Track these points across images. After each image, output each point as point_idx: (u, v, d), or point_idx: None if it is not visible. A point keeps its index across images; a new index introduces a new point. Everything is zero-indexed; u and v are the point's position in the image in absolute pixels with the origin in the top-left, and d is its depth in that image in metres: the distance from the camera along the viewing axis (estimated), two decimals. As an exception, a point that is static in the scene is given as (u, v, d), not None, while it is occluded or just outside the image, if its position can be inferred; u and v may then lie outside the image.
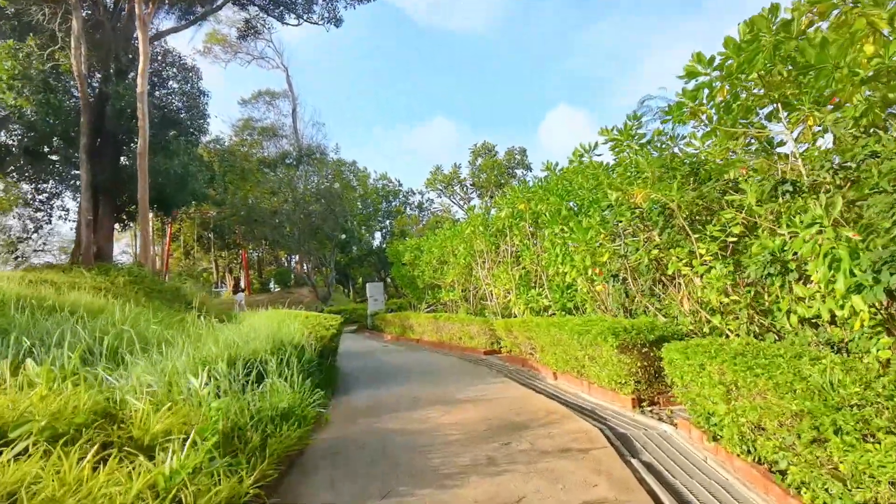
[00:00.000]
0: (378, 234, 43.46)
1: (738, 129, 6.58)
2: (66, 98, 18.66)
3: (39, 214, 24.23)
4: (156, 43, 22.04)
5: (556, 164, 10.33)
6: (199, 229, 41.31)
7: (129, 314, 8.80)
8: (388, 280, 34.78)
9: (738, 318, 6.18)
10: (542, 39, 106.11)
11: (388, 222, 43.43)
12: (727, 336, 6.38)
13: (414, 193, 44.12)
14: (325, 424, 5.34)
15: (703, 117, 6.55)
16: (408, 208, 44.56)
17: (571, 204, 10.13)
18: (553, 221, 9.59)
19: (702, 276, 6.64)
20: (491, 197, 23.39)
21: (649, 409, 5.96)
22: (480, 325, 12.40)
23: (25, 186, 23.77)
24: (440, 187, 26.74)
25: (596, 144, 9.60)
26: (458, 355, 12.31)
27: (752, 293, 6.15)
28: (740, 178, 6.69)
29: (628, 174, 8.19)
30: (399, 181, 43.08)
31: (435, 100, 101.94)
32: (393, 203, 43.65)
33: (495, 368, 9.73)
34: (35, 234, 23.51)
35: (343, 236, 30.29)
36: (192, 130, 20.95)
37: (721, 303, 6.22)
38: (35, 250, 26.01)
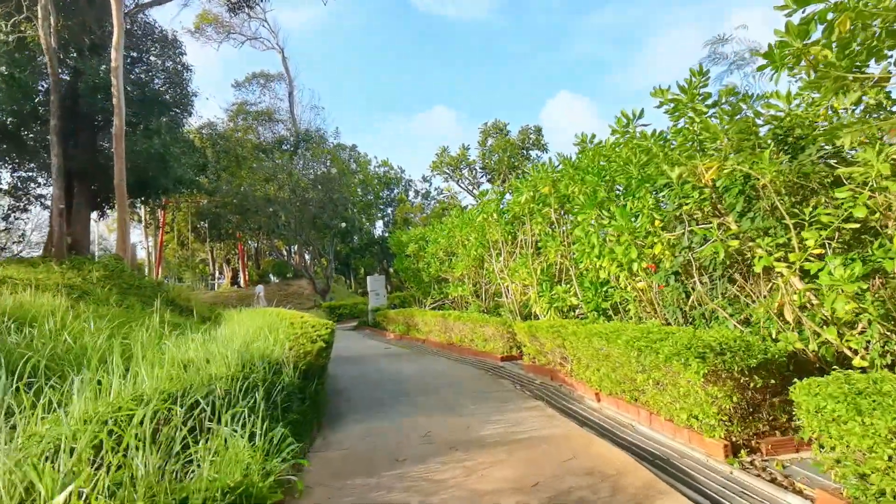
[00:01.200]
0: (380, 223, 41.89)
1: (853, 77, 4.92)
2: (34, 73, 17.00)
3: (21, 203, 22.68)
4: (137, 16, 20.33)
5: (593, 137, 8.67)
6: (195, 219, 39.75)
7: (69, 322, 7.22)
8: (391, 271, 33.20)
9: (863, 333, 4.57)
10: (542, 26, 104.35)
11: (389, 210, 41.82)
12: (839, 355, 4.78)
13: (424, 180, 42.49)
14: (299, 497, 3.75)
15: (812, 60, 4.87)
16: (411, 194, 42.92)
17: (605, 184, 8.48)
18: (588, 205, 7.96)
19: (809, 276, 5.02)
20: (503, 181, 21.55)
21: (749, 459, 4.35)
22: (497, 327, 10.82)
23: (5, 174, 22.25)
24: (447, 171, 24.42)
25: (641, 112, 7.92)
26: (472, 361, 10.75)
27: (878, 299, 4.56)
28: (856, 145, 5.05)
29: (689, 144, 6.54)
30: (401, 168, 41.46)
31: (435, 89, 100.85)
32: (395, 191, 42.03)
33: (519, 382, 8.16)
34: (11, 225, 21.90)
35: (343, 224, 28.59)
36: (175, 109, 19.27)
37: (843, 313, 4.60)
38: (15, 242, 24.43)
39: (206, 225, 34.53)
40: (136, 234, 52.73)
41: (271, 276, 44.73)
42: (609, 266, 7.87)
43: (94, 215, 20.29)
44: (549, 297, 10.38)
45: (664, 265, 6.95)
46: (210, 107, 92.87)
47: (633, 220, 7.22)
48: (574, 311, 10.33)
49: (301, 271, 32.37)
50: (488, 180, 23.99)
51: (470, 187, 24.71)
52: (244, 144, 34.21)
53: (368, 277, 21.08)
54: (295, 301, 37.28)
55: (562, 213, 10.02)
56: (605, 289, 9.02)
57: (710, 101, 6.49)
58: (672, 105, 6.59)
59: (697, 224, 6.32)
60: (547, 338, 8.31)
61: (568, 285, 10.07)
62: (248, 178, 27.87)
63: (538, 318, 11.22)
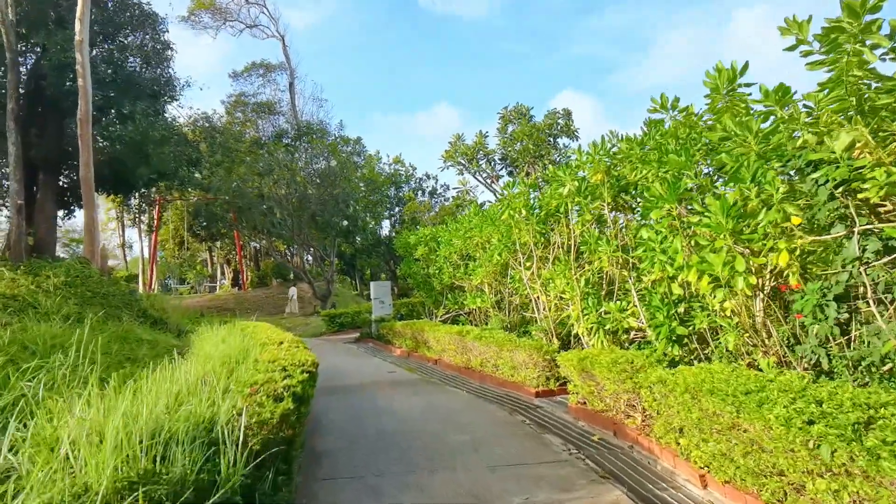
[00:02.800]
0: (386, 223, 39.79)
1: None
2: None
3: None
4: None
5: (676, 101, 6.44)
6: (189, 218, 37.81)
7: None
8: (397, 271, 31.00)
9: None
10: (544, 26, 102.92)
11: (397, 210, 39.76)
12: None
13: (428, 177, 40.38)
14: None
15: None
16: (419, 194, 40.84)
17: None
18: (669, 197, 5.77)
19: None
20: (528, 173, 19.09)
21: None
22: (530, 353, 8.64)
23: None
24: (462, 161, 21.50)
25: (745, 67, 5.73)
26: (498, 395, 8.59)
27: None
28: None
29: (847, 100, 4.34)
30: (413, 166, 39.36)
31: (437, 87, 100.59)
32: (403, 189, 39.96)
33: (571, 441, 5.98)
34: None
35: (345, 223, 26.42)
36: (155, 92, 17.12)
37: None
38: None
39: (203, 223, 32.42)
40: (131, 234, 50.99)
41: (277, 280, 42.63)
42: (695, 280, 5.74)
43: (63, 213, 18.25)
44: (597, 315, 8.21)
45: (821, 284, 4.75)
46: (209, 100, 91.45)
47: (745, 217, 5.05)
48: (628, 334, 8.17)
49: (300, 274, 30.26)
50: (508, 173, 21.41)
51: (488, 180, 21.99)
52: (239, 138, 32.16)
53: (372, 283, 18.88)
54: (295, 306, 35.24)
55: (620, 208, 7.85)
56: (679, 308, 6.84)
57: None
58: (823, 45, 4.37)
59: (873, 222, 4.11)
60: (609, 378, 6.13)
61: (624, 301, 7.88)
62: (245, 171, 25.78)
63: (580, 342, 9.07)
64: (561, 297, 9.26)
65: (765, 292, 5.80)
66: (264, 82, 38.55)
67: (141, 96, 16.04)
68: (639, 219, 8.37)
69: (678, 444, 4.82)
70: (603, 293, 8.70)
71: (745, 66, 5.75)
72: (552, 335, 9.65)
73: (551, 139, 20.04)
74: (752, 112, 5.28)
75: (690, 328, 6.57)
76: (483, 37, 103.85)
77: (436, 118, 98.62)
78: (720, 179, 6.01)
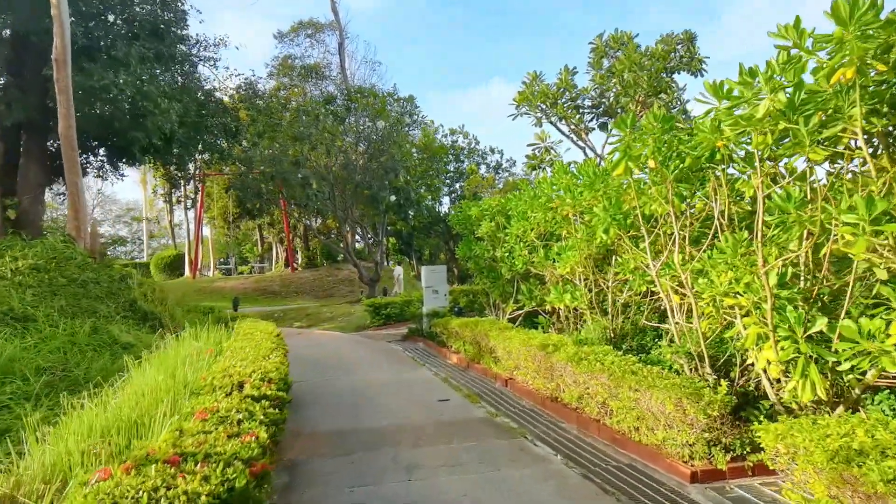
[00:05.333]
0: (446, 199, 36.52)
1: None
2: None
3: None
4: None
5: None
6: (226, 193, 35.75)
7: None
8: (456, 252, 27.61)
9: None
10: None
11: (457, 185, 36.38)
12: None
13: (493, 152, 36.91)
14: None
15: None
16: (483, 168, 37.38)
17: None
18: None
19: None
20: (634, 121, 14.37)
21: None
22: (677, 399, 5.04)
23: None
24: (542, 106, 16.34)
25: None
26: (618, 471, 5.07)
27: None
28: None
29: None
30: (476, 138, 35.82)
31: (493, 62, 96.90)
32: (465, 163, 36.56)
33: None
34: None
35: (393, 198, 23.05)
36: (156, 27, 14.11)
37: None
38: None
39: (242, 198, 29.91)
40: (178, 213, 49.83)
41: (327, 261, 40.21)
42: None
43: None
44: (804, 339, 4.56)
45: None
46: (257, 69, 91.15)
47: None
48: (855, 372, 4.48)
49: (346, 255, 27.18)
50: (600, 125, 16.63)
51: (572, 134, 17.07)
52: (286, 105, 29.36)
53: (423, 269, 15.55)
54: (344, 290, 32.57)
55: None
56: None
57: None
58: None
59: None
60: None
61: (877, 319, 4.14)
62: (283, 138, 22.96)
63: (747, 374, 5.44)
64: (726, 303, 5.55)
65: None
66: (312, 43, 35.77)
67: (137, 35, 13.11)
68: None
69: None
70: (812, 299, 4.98)
71: None
72: (702, 361, 5.99)
73: (666, 73, 15.20)
74: None
75: None
76: (547, 10, 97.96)
77: (491, 94, 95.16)
78: None
